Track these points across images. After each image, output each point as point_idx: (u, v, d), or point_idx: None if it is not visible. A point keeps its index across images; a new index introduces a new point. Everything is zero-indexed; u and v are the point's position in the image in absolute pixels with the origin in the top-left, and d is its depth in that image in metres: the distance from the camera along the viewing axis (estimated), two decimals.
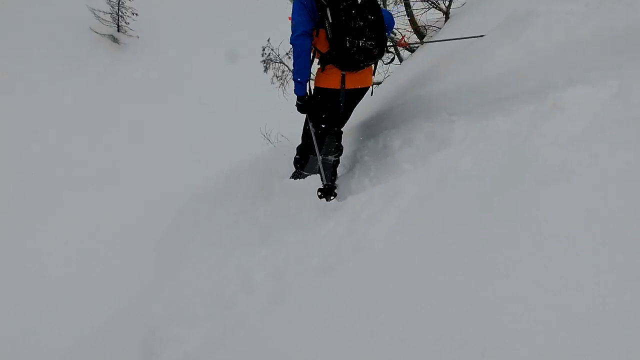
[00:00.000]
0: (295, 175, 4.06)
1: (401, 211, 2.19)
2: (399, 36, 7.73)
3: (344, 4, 3.22)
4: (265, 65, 12.05)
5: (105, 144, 9.62)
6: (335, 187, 3.54)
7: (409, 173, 2.71)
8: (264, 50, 11.84)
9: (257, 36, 10.51)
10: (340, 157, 3.84)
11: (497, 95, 2.79)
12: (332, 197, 3.42)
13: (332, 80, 3.46)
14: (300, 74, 3.34)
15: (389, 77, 6.78)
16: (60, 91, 10.59)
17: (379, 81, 8.03)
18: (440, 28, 6.08)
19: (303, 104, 3.49)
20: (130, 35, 13.21)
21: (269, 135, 8.21)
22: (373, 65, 3.60)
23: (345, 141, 4.60)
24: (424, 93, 3.62)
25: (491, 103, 2.79)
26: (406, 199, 2.26)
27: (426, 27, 6.75)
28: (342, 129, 3.82)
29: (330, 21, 3.22)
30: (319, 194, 3.43)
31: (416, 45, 4.60)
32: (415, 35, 7.34)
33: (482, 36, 3.51)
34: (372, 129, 4.20)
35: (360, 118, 4.68)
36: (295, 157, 4.03)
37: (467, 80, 3.13)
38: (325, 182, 3.48)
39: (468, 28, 4.04)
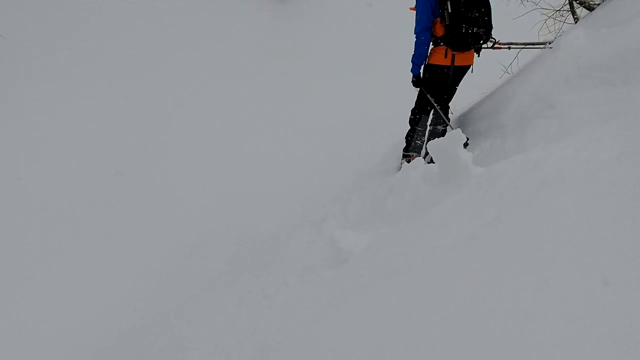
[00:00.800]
0: (402, 160, 4.74)
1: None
2: None
3: None
4: None
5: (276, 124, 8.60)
6: (467, 138, 3.91)
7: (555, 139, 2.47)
8: None
9: None
10: (447, 128, 4.69)
11: None
12: (466, 145, 3.92)
13: (445, 59, 4.38)
14: (419, 59, 4.46)
15: (561, 35, 6.14)
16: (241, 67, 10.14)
17: (550, 40, 7.31)
18: None
19: (417, 80, 4.61)
20: None
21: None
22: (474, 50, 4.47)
23: (497, 102, 4.42)
24: (590, 57, 3.22)
25: None
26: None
27: None
28: (449, 105, 4.78)
29: (450, 11, 4.09)
30: None
31: (508, 45, 5.02)
32: None
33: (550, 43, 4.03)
34: (520, 91, 4.03)
35: (521, 77, 4.56)
36: (410, 118, 4.83)
37: None
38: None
39: None
